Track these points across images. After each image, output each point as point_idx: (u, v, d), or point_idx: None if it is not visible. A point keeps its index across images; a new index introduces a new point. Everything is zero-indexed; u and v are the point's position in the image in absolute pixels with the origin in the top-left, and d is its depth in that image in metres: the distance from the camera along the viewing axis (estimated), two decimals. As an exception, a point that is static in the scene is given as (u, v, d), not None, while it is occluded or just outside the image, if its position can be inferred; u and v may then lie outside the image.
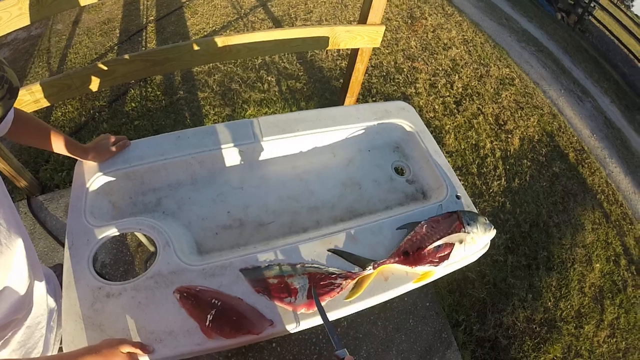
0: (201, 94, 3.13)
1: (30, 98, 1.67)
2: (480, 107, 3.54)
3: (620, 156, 3.95)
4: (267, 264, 1.00)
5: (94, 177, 1.14)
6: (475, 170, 3.00)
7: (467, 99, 3.57)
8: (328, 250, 1.05)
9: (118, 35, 3.72)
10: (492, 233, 1.11)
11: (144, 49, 3.60)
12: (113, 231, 1.03)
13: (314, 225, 1.21)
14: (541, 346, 2.23)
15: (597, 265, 2.72)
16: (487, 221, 1.12)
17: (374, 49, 3.83)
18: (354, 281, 1.00)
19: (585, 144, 3.80)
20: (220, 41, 1.89)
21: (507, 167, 3.13)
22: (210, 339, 0.88)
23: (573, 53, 5.51)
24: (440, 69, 3.80)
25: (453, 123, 3.29)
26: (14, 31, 1.54)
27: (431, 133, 3.07)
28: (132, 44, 3.64)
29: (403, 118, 1.46)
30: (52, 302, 1.10)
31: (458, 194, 1.26)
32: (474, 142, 3.21)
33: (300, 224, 1.22)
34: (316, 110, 1.40)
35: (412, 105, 3.32)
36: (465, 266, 1.12)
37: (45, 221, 2.12)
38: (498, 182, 2.98)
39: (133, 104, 2.98)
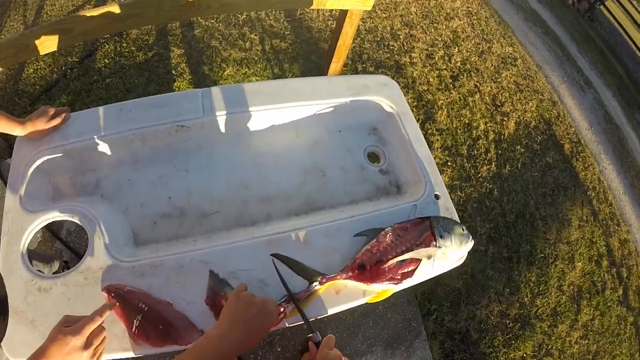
0: (178, 51, 2.86)
1: (-13, 60, 1.54)
2: (478, 84, 3.32)
3: (615, 154, 3.78)
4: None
5: (32, 155, 1.03)
6: (465, 151, 2.83)
7: (465, 75, 3.33)
8: (271, 255, 0.88)
9: (98, -15, 3.39)
10: (469, 246, 0.94)
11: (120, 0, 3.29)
12: (46, 218, 0.94)
13: (264, 218, 1.04)
14: (512, 342, 2.16)
15: (579, 264, 2.62)
16: (465, 231, 0.94)
17: (369, 11, 3.55)
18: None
19: (582, 136, 3.62)
20: (188, -6, 1.68)
21: (500, 151, 2.96)
22: (137, 346, 0.80)
23: (580, 41, 5.22)
24: (440, 39, 3.52)
25: (447, 99, 3.08)
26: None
27: (423, 107, 2.86)
28: (111, -5, 3.31)
29: (384, 96, 1.24)
30: None
31: (437, 193, 1.08)
32: (467, 122, 3.02)
33: (249, 217, 1.04)
34: (280, 80, 1.18)
35: (405, 76, 3.09)
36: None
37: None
38: (488, 166, 2.82)
39: (106, 60, 2.76)
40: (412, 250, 0.88)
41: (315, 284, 0.84)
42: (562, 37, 4.98)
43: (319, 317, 0.85)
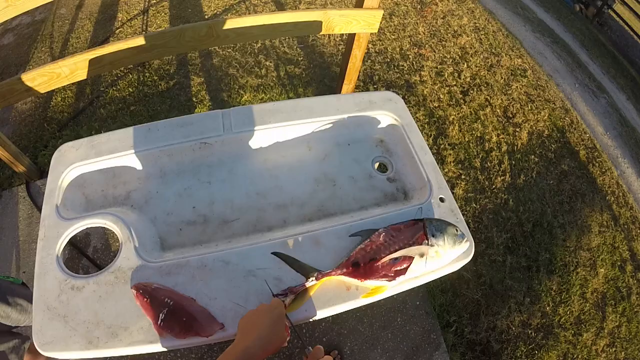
0: (197, 79, 3.06)
1: (22, 87, 1.71)
2: (489, 98, 3.38)
3: (633, 156, 3.74)
4: None
5: (68, 169, 1.14)
6: (479, 164, 2.87)
7: (475, 89, 3.40)
8: (272, 254, 0.96)
9: (120, 19, 3.68)
10: (464, 246, 0.98)
11: (144, 32, 3.55)
12: (81, 225, 1.04)
13: (280, 224, 1.13)
14: (535, 352, 2.13)
15: (602, 270, 2.58)
16: (459, 232, 0.98)
17: (378, 34, 3.70)
18: (295, 295, 0.90)
19: (597, 141, 3.60)
20: (207, 26, 1.84)
21: (513, 162, 2.99)
22: (162, 338, 0.87)
23: (590, 47, 5.23)
24: (449, 57, 3.63)
25: (458, 114, 3.15)
26: (18, 16, 1.52)
27: (434, 124, 2.94)
28: (132, 28, 3.58)
29: (389, 110, 1.34)
30: None
31: (442, 196, 1.14)
32: (479, 135, 3.07)
33: (266, 223, 1.13)
34: (293, 100, 1.30)
35: (416, 94, 3.19)
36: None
37: (42, 206, 2.15)
38: (502, 177, 2.84)
39: (130, 89, 2.96)
40: (404, 249, 0.94)
41: (312, 279, 0.91)
42: (572, 45, 5.01)
43: (325, 317, 0.92)
